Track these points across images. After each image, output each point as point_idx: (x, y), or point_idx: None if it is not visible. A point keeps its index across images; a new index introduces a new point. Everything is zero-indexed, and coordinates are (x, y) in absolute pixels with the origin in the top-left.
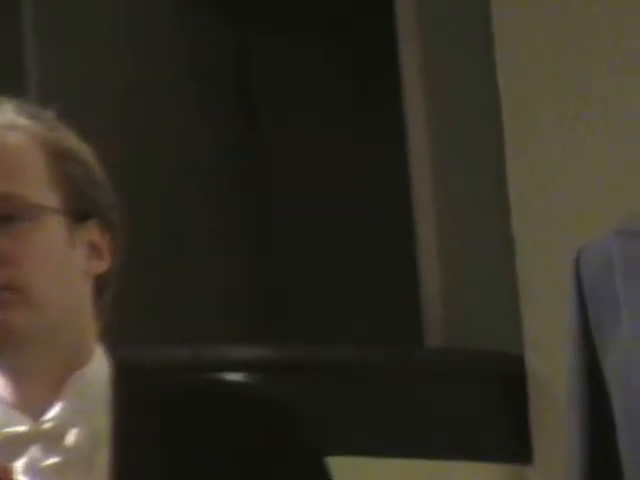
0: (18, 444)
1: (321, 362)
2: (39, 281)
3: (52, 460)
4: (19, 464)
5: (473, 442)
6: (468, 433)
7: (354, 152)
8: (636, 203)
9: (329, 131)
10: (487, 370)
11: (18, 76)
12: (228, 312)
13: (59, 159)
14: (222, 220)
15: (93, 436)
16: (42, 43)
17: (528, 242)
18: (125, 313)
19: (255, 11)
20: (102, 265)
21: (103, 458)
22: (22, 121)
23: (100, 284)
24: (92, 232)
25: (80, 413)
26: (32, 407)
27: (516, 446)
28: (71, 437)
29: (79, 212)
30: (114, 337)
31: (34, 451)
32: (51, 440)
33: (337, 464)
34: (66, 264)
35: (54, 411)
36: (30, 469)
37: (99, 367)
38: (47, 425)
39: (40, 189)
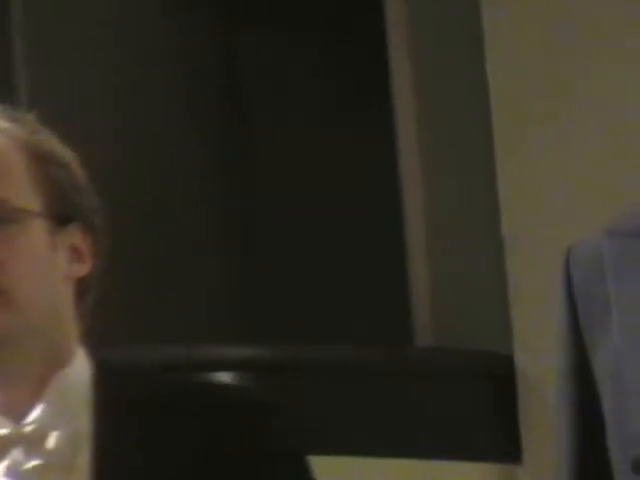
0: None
1: (311, 362)
2: (22, 284)
3: (33, 463)
4: (0, 467)
5: (462, 442)
6: (457, 433)
7: (343, 152)
8: (626, 202)
9: (317, 131)
10: (477, 370)
11: (7, 79)
12: (218, 312)
13: (41, 162)
14: (210, 220)
15: (74, 438)
16: (30, 45)
17: (518, 242)
18: (116, 313)
19: (243, 11)
20: (83, 268)
21: (84, 459)
22: (3, 124)
23: (81, 287)
24: (74, 236)
25: (61, 415)
26: (13, 409)
27: (505, 446)
28: (52, 440)
29: (61, 216)
30: (105, 337)
31: (16, 454)
32: (32, 443)
33: (326, 464)
34: (48, 267)
35: (35, 414)
36: (12, 471)
37: (80, 369)
38: (28, 428)
39: (22, 192)
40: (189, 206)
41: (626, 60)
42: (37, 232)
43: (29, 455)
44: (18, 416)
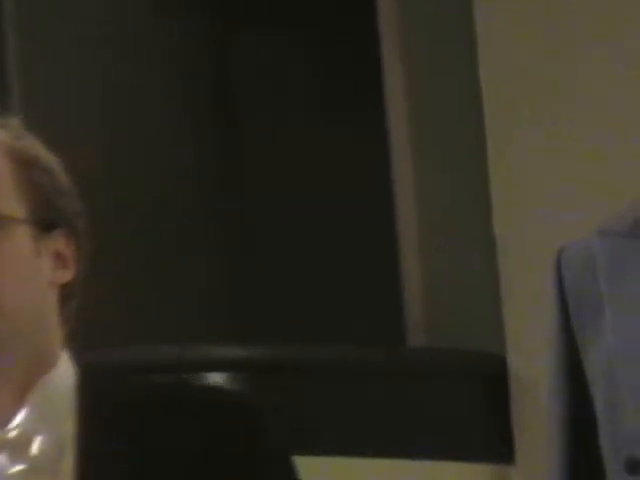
0: None
1: (304, 362)
2: (6, 291)
3: (18, 468)
4: None
5: (455, 442)
6: (450, 433)
7: (336, 152)
8: (619, 203)
9: (310, 131)
10: (469, 370)
11: (0, 78)
12: (210, 312)
13: (25, 167)
14: (205, 220)
15: (58, 442)
16: (24, 45)
17: (510, 242)
18: (110, 314)
19: (235, 12)
20: (67, 274)
21: (68, 464)
22: None
23: (65, 293)
24: (58, 241)
25: (45, 420)
26: None
27: (498, 446)
28: (36, 445)
29: (45, 221)
30: (99, 338)
31: (0, 459)
32: (16, 448)
33: (320, 464)
34: (32, 274)
35: (19, 419)
36: None
37: (64, 373)
38: (12, 433)
39: (7, 199)
40: (183, 206)
41: (617, 61)
42: (21, 238)
43: (14, 460)
44: (2, 421)
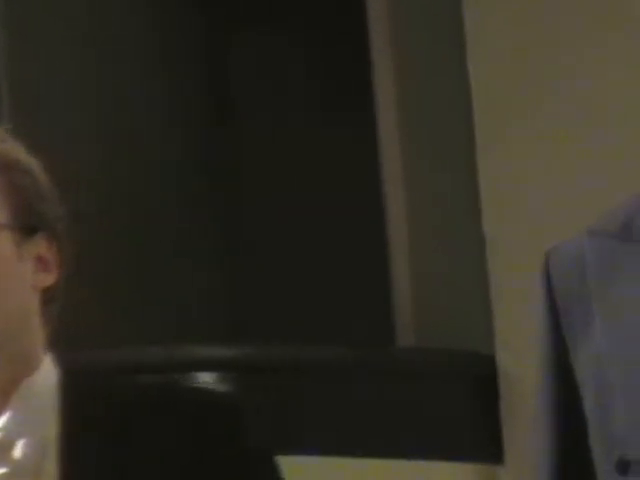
0: None
1: (292, 362)
2: None
3: (1, 471)
4: None
5: (444, 442)
6: (439, 433)
7: (325, 153)
8: (608, 202)
9: (301, 130)
10: (458, 370)
11: None
12: (200, 312)
13: (6, 171)
14: (196, 220)
15: (41, 444)
16: (13, 43)
17: (499, 242)
18: (98, 314)
19: (225, 11)
20: (49, 278)
21: (52, 465)
22: None
23: (47, 296)
24: (39, 245)
25: (28, 422)
26: None
27: (487, 445)
28: (19, 448)
29: (27, 226)
30: (87, 339)
31: None
32: None
33: (307, 464)
34: (16, 279)
35: (1, 422)
36: None
37: (47, 375)
38: None
39: None
40: (173, 206)
41: (607, 59)
42: (3, 243)
43: None
44: None
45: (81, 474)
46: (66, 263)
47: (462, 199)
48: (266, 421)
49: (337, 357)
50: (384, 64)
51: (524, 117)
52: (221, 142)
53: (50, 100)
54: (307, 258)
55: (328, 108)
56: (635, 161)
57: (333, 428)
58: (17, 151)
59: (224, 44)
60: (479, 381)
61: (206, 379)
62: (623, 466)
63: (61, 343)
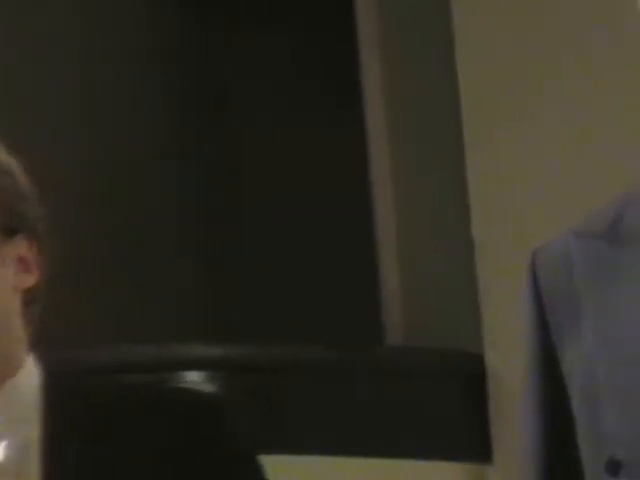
0: None
1: (281, 361)
2: None
3: None
4: None
5: (433, 441)
6: (428, 432)
7: (313, 152)
8: (596, 203)
9: (287, 131)
10: (447, 369)
11: None
12: (189, 312)
13: None
14: (183, 219)
15: (24, 445)
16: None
17: (488, 242)
18: (86, 313)
19: (215, 10)
20: (30, 279)
21: (35, 466)
22: None
23: (28, 297)
24: (20, 246)
25: (10, 423)
26: None
27: (476, 445)
28: (1, 450)
29: (8, 227)
30: (75, 337)
31: None
32: None
33: (297, 464)
34: None
35: None
36: None
37: (29, 376)
38: None
39: None
40: (161, 205)
41: (595, 59)
42: None
43: None
44: None
45: (64, 475)
46: (46, 263)
47: (451, 199)
48: (253, 420)
49: (326, 356)
50: (372, 64)
51: (513, 118)
52: (211, 142)
53: (50, 99)
54: (295, 257)
55: (315, 108)
56: (623, 161)
57: (321, 428)
58: None
59: (214, 43)
60: (468, 380)
61: (194, 378)
62: (613, 466)
63: (49, 343)
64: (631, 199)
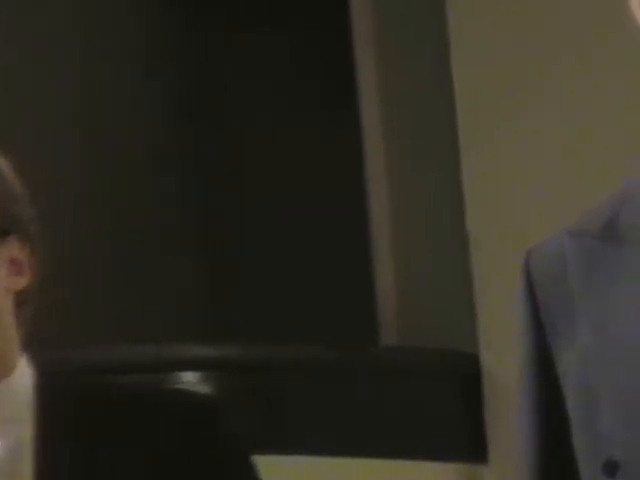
0: None
1: (277, 362)
2: None
3: None
4: None
5: (428, 441)
6: (423, 432)
7: (309, 152)
8: (591, 202)
9: (283, 131)
10: (442, 369)
11: None
12: (186, 312)
13: None
14: (181, 220)
15: (16, 445)
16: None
17: (483, 241)
18: (85, 313)
19: (210, 10)
20: (23, 280)
21: (27, 466)
22: None
23: (21, 298)
24: (13, 248)
25: (3, 423)
26: None
27: (471, 445)
28: None
29: (0, 229)
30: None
31: None
32: None
33: (292, 464)
34: None
35: None
36: None
37: (22, 376)
38: None
39: None
40: (161, 205)
41: (592, 59)
42: None
43: None
44: None
45: (57, 475)
46: (39, 264)
47: (446, 198)
48: (252, 420)
49: (325, 356)
50: (368, 62)
51: (507, 116)
52: (207, 143)
53: (50, 99)
54: (290, 257)
55: (311, 108)
56: (618, 161)
57: (316, 428)
58: None
59: (210, 44)
60: (463, 380)
61: (194, 378)
62: (611, 467)
63: (45, 343)
64: (627, 197)
